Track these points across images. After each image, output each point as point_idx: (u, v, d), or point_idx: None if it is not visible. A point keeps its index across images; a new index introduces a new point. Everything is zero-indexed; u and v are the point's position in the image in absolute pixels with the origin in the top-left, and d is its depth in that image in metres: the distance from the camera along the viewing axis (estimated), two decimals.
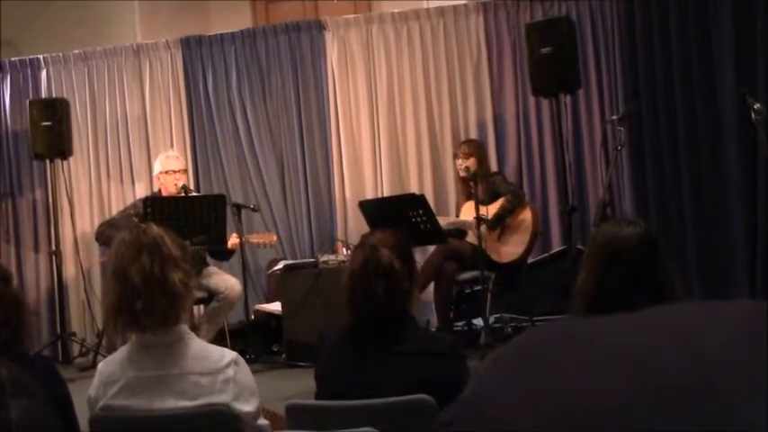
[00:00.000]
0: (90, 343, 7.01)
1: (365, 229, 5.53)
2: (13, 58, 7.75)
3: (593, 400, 0.60)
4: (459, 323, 6.39)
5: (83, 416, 2.43)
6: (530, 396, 0.63)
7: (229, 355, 2.40)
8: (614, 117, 5.67)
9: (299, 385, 4.86)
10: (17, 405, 0.77)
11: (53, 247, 7.18)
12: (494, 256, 6.11)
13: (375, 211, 5.86)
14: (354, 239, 5.74)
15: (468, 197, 6.21)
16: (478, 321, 6.14)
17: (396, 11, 7.31)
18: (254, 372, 2.52)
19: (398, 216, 5.59)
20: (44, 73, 7.69)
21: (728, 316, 0.63)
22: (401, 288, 2.53)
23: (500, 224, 6.13)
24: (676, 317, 0.66)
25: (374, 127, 7.27)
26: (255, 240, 6.40)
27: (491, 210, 6.07)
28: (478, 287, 6.04)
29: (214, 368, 2.35)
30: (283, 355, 6.10)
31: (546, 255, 6.74)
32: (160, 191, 6.34)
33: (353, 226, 7.07)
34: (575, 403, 0.60)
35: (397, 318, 2.54)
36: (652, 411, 0.58)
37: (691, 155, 6.27)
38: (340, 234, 7.20)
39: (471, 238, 6.10)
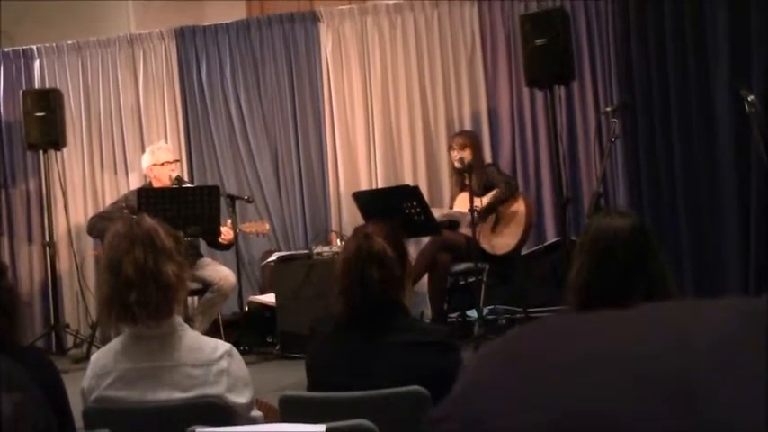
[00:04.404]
0: (84, 334, 7.01)
1: (359, 220, 5.53)
2: (6, 49, 7.72)
3: (577, 400, 0.61)
4: (453, 314, 6.40)
5: (76, 407, 2.43)
6: (515, 395, 0.63)
7: (223, 346, 2.40)
8: (608, 109, 5.66)
9: (292, 377, 4.86)
10: (10, 400, 0.77)
11: (47, 239, 7.14)
12: (488, 248, 6.12)
13: (369, 202, 5.86)
14: (348, 231, 5.75)
15: (462, 188, 6.21)
16: (472, 313, 6.15)
17: (390, 2, 7.29)
18: (247, 363, 2.53)
19: (392, 207, 5.59)
20: (38, 63, 7.66)
21: (715, 315, 0.64)
22: (394, 275, 2.54)
23: (491, 213, 6.14)
24: (663, 316, 0.66)
25: (368, 118, 7.26)
26: (248, 229, 6.39)
27: (485, 201, 6.08)
28: (472, 279, 6.04)
29: (208, 360, 2.35)
30: (277, 347, 6.10)
31: (540, 246, 6.74)
32: (151, 183, 6.31)
33: (347, 217, 7.07)
34: (559, 403, 0.61)
35: (389, 307, 2.55)
36: (635, 412, 0.58)
37: (685, 146, 6.27)
38: (334, 225, 7.20)
39: (465, 229, 6.11)
